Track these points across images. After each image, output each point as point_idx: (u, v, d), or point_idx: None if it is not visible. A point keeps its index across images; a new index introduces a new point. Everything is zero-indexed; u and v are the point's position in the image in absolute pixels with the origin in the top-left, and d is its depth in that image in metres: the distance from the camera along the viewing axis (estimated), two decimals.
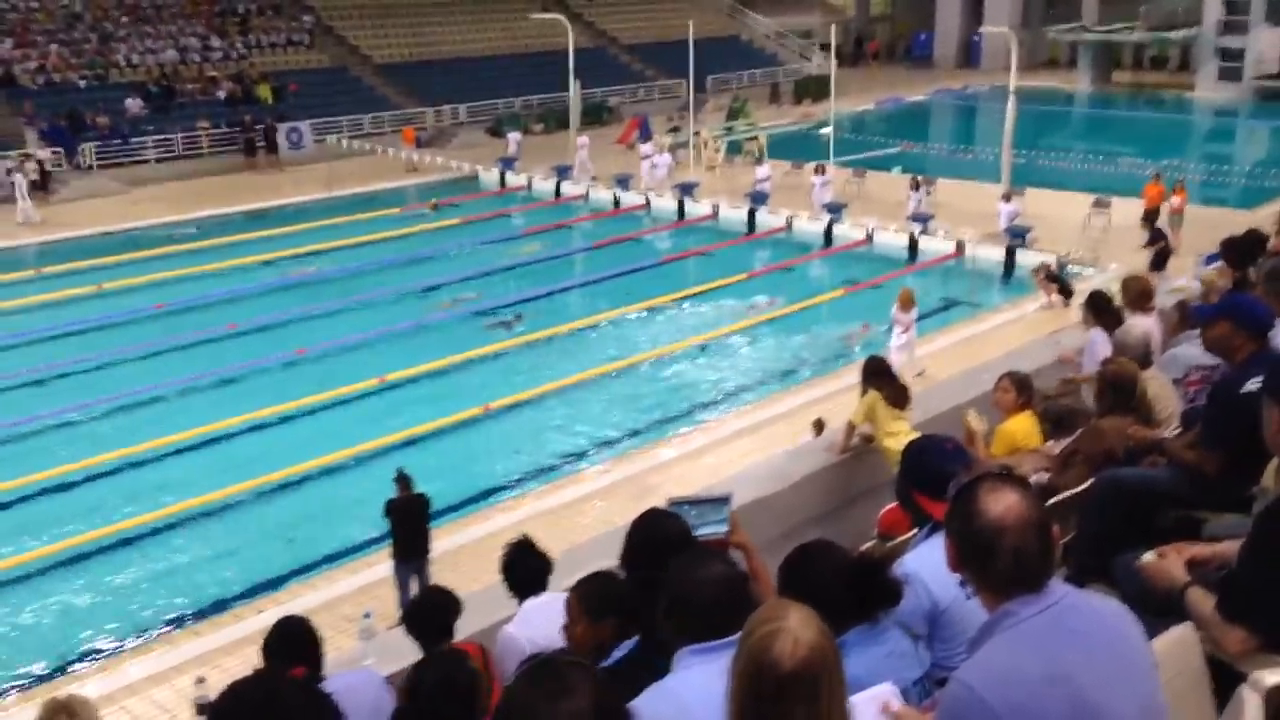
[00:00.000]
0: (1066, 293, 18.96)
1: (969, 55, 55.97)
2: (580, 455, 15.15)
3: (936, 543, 3.11)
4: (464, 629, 5.28)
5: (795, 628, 2.36)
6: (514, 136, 34.54)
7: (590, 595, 4.04)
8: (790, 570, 3.46)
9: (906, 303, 17.00)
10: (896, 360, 16.74)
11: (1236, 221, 18.34)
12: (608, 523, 11.40)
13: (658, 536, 3.96)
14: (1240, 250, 8.47)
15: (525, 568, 5.22)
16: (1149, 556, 3.54)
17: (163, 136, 33.58)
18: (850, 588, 3.27)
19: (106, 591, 12.09)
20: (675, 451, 14.61)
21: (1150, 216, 23.82)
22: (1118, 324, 8.07)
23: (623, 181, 30.21)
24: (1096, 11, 53.18)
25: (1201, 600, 3.25)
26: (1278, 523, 3.14)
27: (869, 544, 6.23)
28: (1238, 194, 29.72)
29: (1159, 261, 20.26)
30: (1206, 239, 16.63)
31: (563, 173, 31.45)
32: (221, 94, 36.69)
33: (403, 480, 10.83)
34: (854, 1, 64.59)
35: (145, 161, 33.07)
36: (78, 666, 10.65)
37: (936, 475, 3.85)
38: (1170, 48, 52.69)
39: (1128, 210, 24.54)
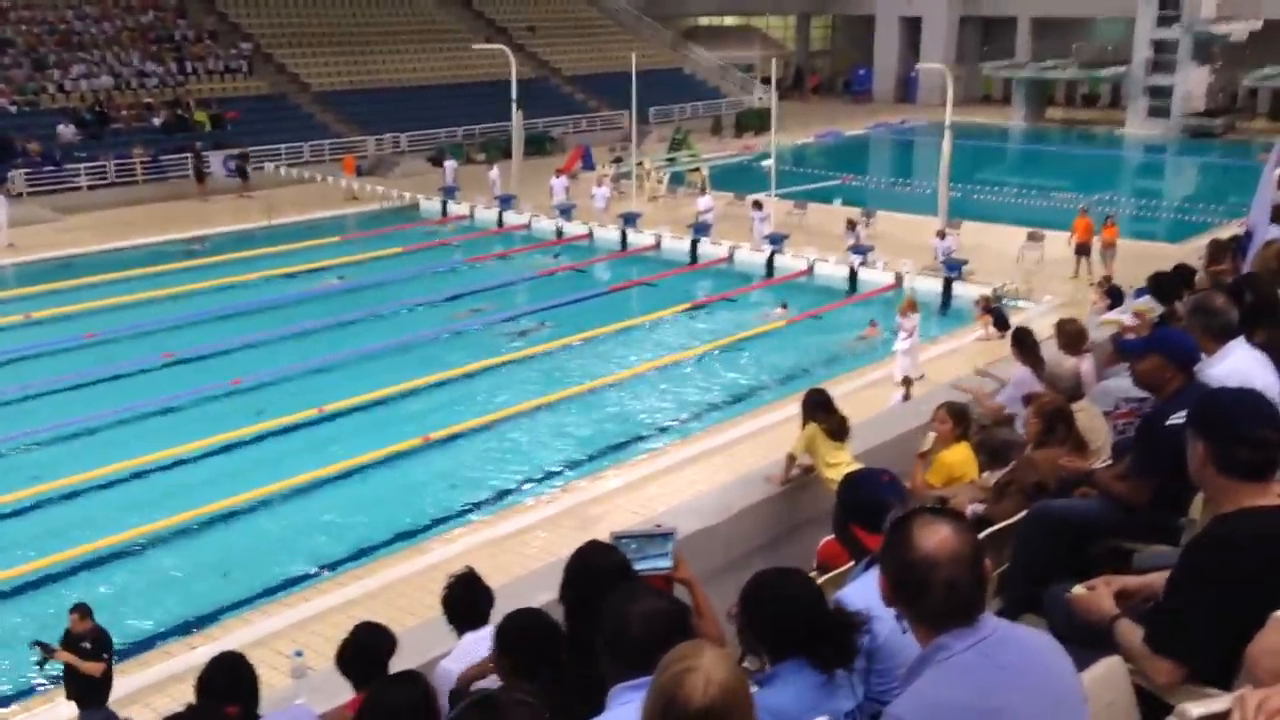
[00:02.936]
0: (1002, 325, 19.26)
1: (906, 90, 56.98)
2: (523, 485, 15.06)
3: (873, 576, 3.12)
4: (403, 665, 5.19)
5: (707, 667, 2.37)
6: (450, 165, 34.51)
7: (505, 632, 4.07)
8: (756, 593, 3.43)
9: (908, 308, 18.04)
10: (902, 362, 17.33)
11: (1166, 255, 18.83)
12: (551, 554, 11.32)
13: (596, 569, 3.95)
14: (1167, 285, 8.69)
15: (467, 601, 5.15)
16: (1078, 588, 3.59)
17: (96, 164, 33.04)
18: (819, 636, 3.26)
19: (33, 628, 11.72)
20: (619, 481, 14.56)
21: (1081, 249, 24.30)
22: (1039, 359, 8.26)
23: (565, 211, 30.27)
24: (1030, 49, 54.50)
25: (1130, 632, 3.29)
26: (1204, 555, 3.19)
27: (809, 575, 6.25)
28: (1167, 228, 30.51)
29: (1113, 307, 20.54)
30: (1138, 272, 17.01)
31: (505, 202, 31.44)
32: (157, 121, 36.23)
33: (84, 611, 9.09)
34: (794, 36, 65.61)
35: (78, 188, 32.51)
36: (2, 707, 10.32)
37: (873, 508, 3.88)
38: (1101, 85, 54.11)
39: (1061, 243, 25.05)
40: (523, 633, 4.05)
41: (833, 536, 5.72)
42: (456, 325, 22.24)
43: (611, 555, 4.04)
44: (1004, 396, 8.62)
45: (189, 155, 33.92)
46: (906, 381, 16.45)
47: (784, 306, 22.92)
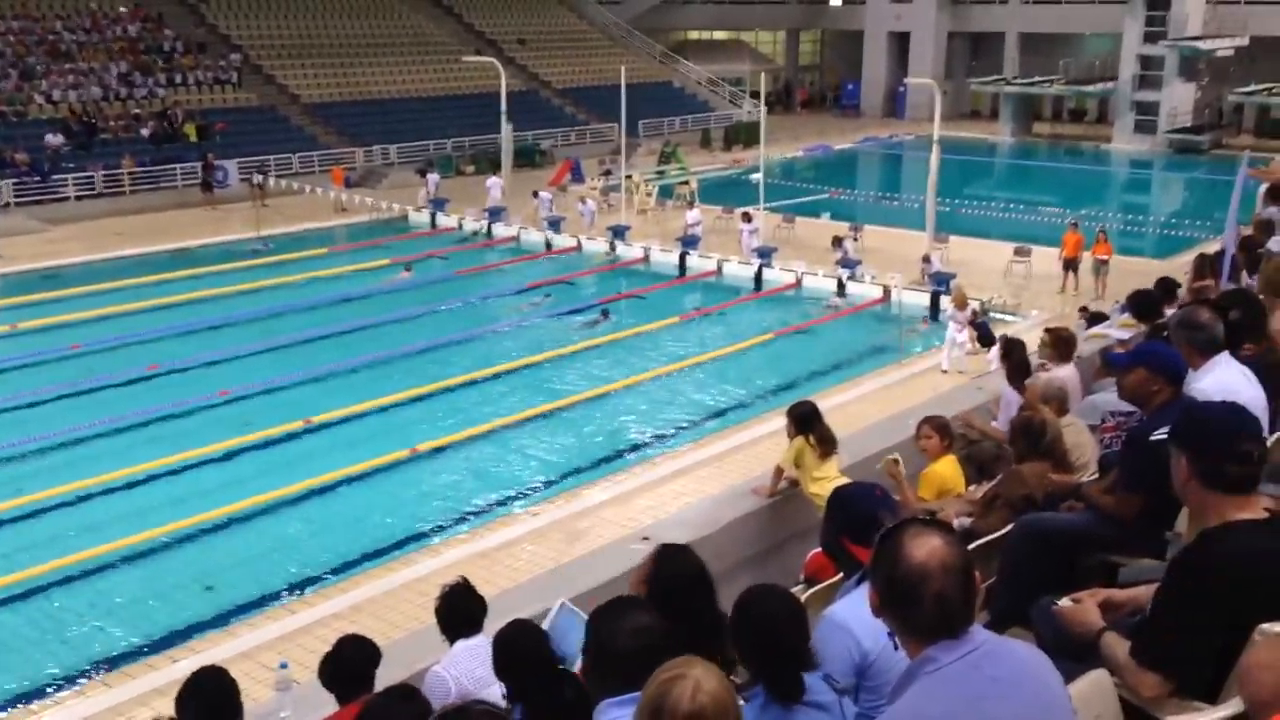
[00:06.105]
0: (986, 340, 19.22)
1: (895, 105, 57.20)
2: (510, 498, 15.00)
3: (865, 591, 3.11)
4: (388, 678, 5.16)
5: (698, 676, 2.40)
6: (433, 178, 34.52)
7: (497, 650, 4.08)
8: (738, 608, 3.43)
9: (960, 302, 18.79)
10: (956, 352, 17.66)
11: (1152, 270, 18.94)
12: (539, 566, 11.31)
13: (517, 653, 4.06)
14: (1145, 303, 8.75)
15: (460, 610, 5.15)
16: (1065, 601, 3.59)
17: (84, 174, 32.93)
18: (780, 662, 3.25)
19: (14, 641, 11.66)
20: (607, 494, 14.51)
21: (1070, 264, 24.38)
22: (1026, 370, 8.27)
23: (554, 224, 30.27)
24: (1018, 65, 54.78)
25: (1116, 645, 3.29)
26: (1190, 569, 3.20)
27: (796, 588, 6.25)
28: (1154, 243, 30.63)
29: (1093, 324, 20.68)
30: (1125, 287, 17.11)
31: (494, 215, 31.43)
32: (146, 132, 36.15)
33: None
34: (784, 51, 65.83)
35: (65, 199, 32.39)
36: None
37: (865, 521, 3.86)
38: (1088, 100, 54.41)
39: (1048, 258, 25.14)
40: (513, 649, 4.04)
41: (820, 549, 5.72)
42: (453, 335, 22.19)
43: (534, 641, 4.10)
44: (1001, 420, 8.60)
45: (199, 165, 33.92)
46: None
47: (842, 295, 24.34)
